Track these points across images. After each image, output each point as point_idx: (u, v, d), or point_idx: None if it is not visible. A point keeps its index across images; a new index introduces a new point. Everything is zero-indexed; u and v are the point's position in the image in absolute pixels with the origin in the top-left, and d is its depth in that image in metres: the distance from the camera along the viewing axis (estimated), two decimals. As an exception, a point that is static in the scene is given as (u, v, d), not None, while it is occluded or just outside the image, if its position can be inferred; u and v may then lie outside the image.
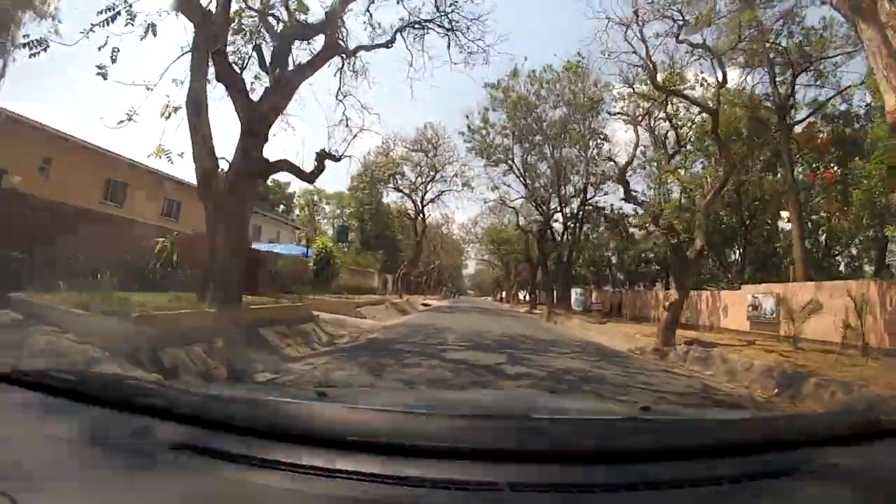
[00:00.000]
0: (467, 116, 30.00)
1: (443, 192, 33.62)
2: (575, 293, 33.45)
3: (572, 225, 30.65)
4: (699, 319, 18.67)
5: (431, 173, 32.88)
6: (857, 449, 1.21)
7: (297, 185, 49.10)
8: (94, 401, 1.19)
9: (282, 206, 45.56)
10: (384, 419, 1.22)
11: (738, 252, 25.62)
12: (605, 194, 29.70)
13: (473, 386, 5.95)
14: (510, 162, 30.54)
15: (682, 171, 19.62)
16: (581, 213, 30.07)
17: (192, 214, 17.71)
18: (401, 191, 33.76)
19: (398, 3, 12.31)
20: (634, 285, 33.56)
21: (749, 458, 1.11)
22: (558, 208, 30.89)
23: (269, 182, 40.40)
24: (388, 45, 12.18)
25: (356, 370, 6.75)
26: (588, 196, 29.46)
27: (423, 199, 33.41)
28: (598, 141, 27.99)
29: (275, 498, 0.91)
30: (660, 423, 1.46)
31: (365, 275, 32.60)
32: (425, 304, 31.83)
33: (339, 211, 50.05)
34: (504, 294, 64.59)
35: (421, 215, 33.79)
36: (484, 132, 29.57)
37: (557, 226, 32.18)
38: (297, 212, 49.52)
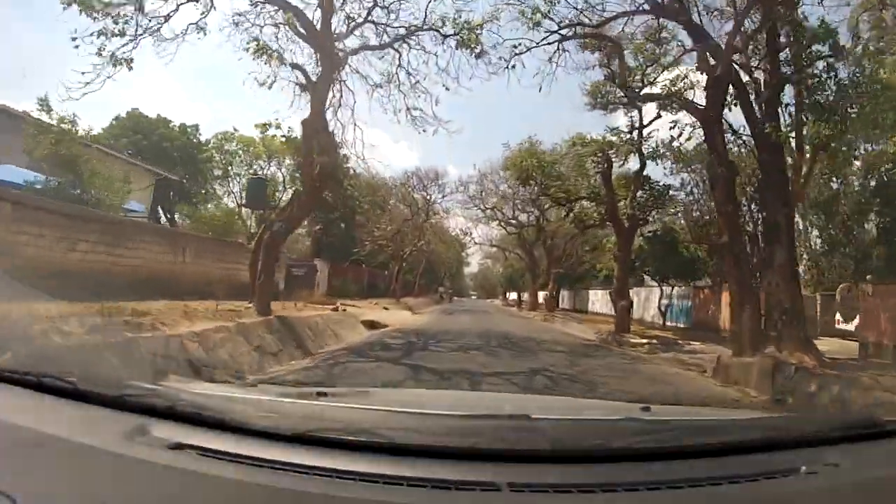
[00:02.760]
0: None
1: (405, 36, 11.41)
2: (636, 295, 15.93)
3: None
4: None
5: None
6: (858, 449, 1.21)
7: (209, 130, 29.39)
8: (93, 401, 1.21)
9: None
10: (384, 419, 1.25)
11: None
12: None
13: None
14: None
15: None
16: None
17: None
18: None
19: None
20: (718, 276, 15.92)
21: (749, 458, 1.11)
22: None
23: (170, 125, 23.47)
24: None
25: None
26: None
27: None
28: None
29: (274, 498, 0.92)
30: (659, 424, 1.46)
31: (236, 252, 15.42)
32: (374, 325, 13.11)
33: (252, 160, 27.40)
34: (524, 295, 40.40)
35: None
36: None
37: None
38: (216, 172, 27.79)
